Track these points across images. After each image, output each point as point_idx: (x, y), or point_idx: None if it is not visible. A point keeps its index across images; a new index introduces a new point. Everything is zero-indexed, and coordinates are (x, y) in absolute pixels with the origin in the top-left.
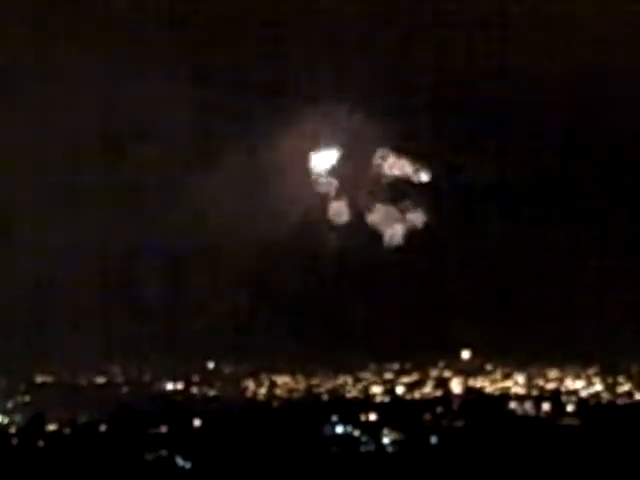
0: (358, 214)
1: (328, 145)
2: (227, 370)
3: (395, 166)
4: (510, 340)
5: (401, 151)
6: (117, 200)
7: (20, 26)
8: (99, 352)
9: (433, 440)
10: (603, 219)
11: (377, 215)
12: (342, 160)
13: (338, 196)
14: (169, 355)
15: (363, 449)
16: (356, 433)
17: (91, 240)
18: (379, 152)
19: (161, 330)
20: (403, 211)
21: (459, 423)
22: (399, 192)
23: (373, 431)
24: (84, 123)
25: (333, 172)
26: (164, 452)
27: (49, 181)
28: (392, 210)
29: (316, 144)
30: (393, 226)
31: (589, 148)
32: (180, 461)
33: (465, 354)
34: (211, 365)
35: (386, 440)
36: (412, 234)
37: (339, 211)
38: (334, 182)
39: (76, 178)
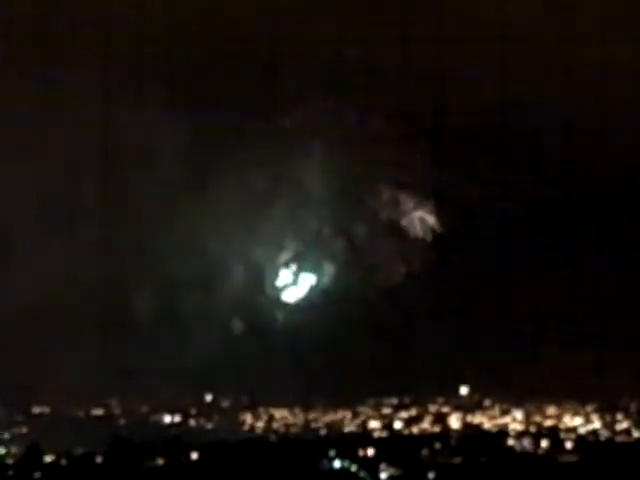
0: (356, 249)
1: (326, 175)
2: (225, 403)
3: (393, 201)
4: (509, 376)
5: (400, 181)
6: (115, 223)
7: (21, 41)
8: (97, 383)
9: (431, 476)
10: (605, 249)
11: (375, 252)
12: (339, 192)
13: (335, 229)
14: (167, 387)
15: None
16: (354, 468)
17: (88, 267)
18: (378, 186)
19: (159, 361)
20: (402, 248)
21: (457, 459)
22: (398, 228)
23: (371, 466)
24: (81, 145)
25: (330, 205)
26: None
27: (46, 203)
28: (390, 247)
29: (314, 174)
30: (392, 263)
31: (589, 172)
32: None
33: (463, 390)
34: (209, 398)
35: (383, 475)
36: (411, 269)
37: (336, 244)
38: (331, 215)
39: (74, 200)
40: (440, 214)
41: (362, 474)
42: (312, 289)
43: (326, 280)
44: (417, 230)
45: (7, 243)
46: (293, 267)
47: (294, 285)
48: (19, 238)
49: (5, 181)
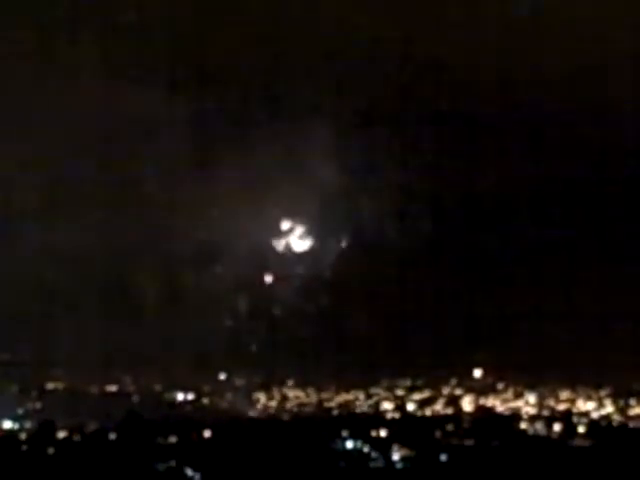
0: (360, 229)
1: (329, 156)
2: (238, 382)
3: (395, 183)
4: (522, 360)
5: (402, 164)
6: (117, 203)
7: (20, 30)
8: (110, 360)
9: (443, 458)
10: (606, 242)
11: (379, 233)
12: (343, 172)
13: (339, 210)
14: (181, 365)
15: (372, 465)
16: (366, 449)
17: (92, 244)
18: (380, 168)
19: (169, 339)
20: (405, 229)
21: (469, 441)
22: (400, 209)
23: (383, 447)
24: (84, 125)
25: (334, 185)
26: (173, 462)
27: (48, 183)
28: (394, 228)
29: (317, 154)
30: (396, 244)
31: (589, 159)
32: (189, 472)
33: (477, 372)
34: (222, 376)
35: (396, 456)
36: (422, 252)
37: (340, 225)
38: (335, 196)
39: (76, 180)
40: (441, 197)
41: (374, 455)
42: (317, 269)
43: (331, 260)
44: (419, 211)
45: (8, 223)
46: (297, 246)
47: (298, 264)
48: (20, 218)
49: (6, 162)
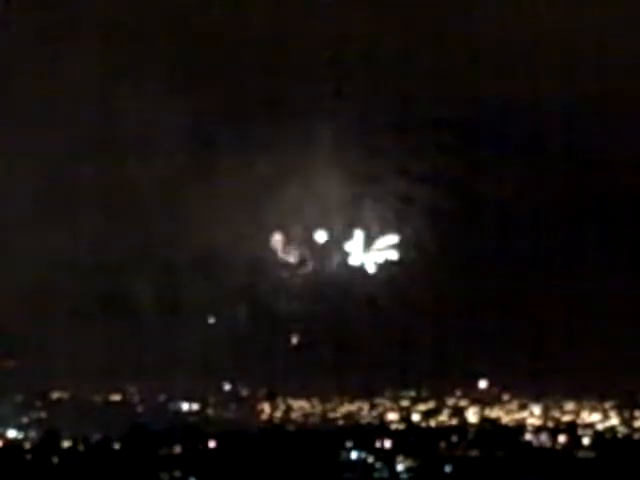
0: (361, 236)
1: (328, 161)
2: (243, 392)
3: (396, 188)
4: (527, 371)
5: (403, 169)
6: (116, 208)
7: (20, 30)
8: (115, 370)
9: (447, 469)
10: (607, 246)
11: (380, 240)
12: (343, 178)
13: (339, 216)
14: (185, 375)
15: (377, 476)
16: (370, 459)
17: (91, 251)
18: (381, 173)
19: (173, 348)
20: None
21: (474, 452)
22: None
23: (388, 458)
24: (81, 131)
25: (334, 191)
26: (178, 473)
27: (45, 188)
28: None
29: (317, 160)
30: (398, 250)
31: (590, 164)
32: None
33: (482, 384)
34: (227, 387)
35: (400, 467)
36: (426, 259)
37: (340, 230)
38: (335, 202)
39: (73, 187)
40: (441, 202)
41: (379, 465)
42: (317, 277)
43: (331, 268)
44: (420, 217)
45: (7, 230)
46: (297, 253)
47: (299, 272)
48: (19, 225)
49: (4, 167)
